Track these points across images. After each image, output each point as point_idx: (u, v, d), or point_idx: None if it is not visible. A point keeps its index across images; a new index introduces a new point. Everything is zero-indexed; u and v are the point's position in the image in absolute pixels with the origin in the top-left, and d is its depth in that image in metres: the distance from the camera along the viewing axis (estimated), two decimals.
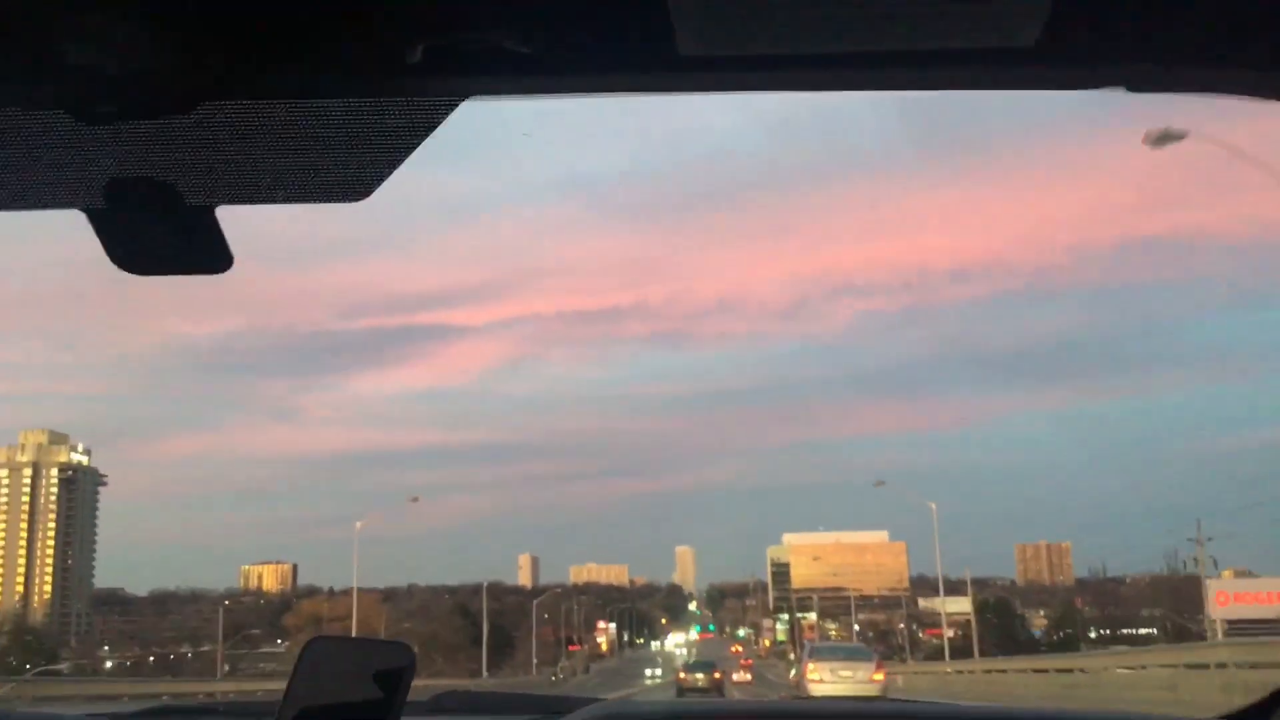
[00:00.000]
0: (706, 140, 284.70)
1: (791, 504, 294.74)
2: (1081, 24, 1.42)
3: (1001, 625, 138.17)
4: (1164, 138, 24.74)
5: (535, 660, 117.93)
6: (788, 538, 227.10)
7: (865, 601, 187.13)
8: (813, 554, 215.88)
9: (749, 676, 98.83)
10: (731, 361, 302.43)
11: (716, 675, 67.71)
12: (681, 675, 69.18)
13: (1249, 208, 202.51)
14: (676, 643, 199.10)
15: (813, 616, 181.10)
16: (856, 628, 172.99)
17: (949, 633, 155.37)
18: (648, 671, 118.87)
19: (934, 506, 79.29)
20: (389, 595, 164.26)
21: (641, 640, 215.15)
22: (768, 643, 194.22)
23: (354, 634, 58.80)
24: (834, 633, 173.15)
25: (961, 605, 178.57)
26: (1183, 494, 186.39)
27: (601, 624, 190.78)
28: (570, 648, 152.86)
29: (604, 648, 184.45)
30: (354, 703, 2.06)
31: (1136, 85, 1.52)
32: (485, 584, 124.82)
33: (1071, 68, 1.51)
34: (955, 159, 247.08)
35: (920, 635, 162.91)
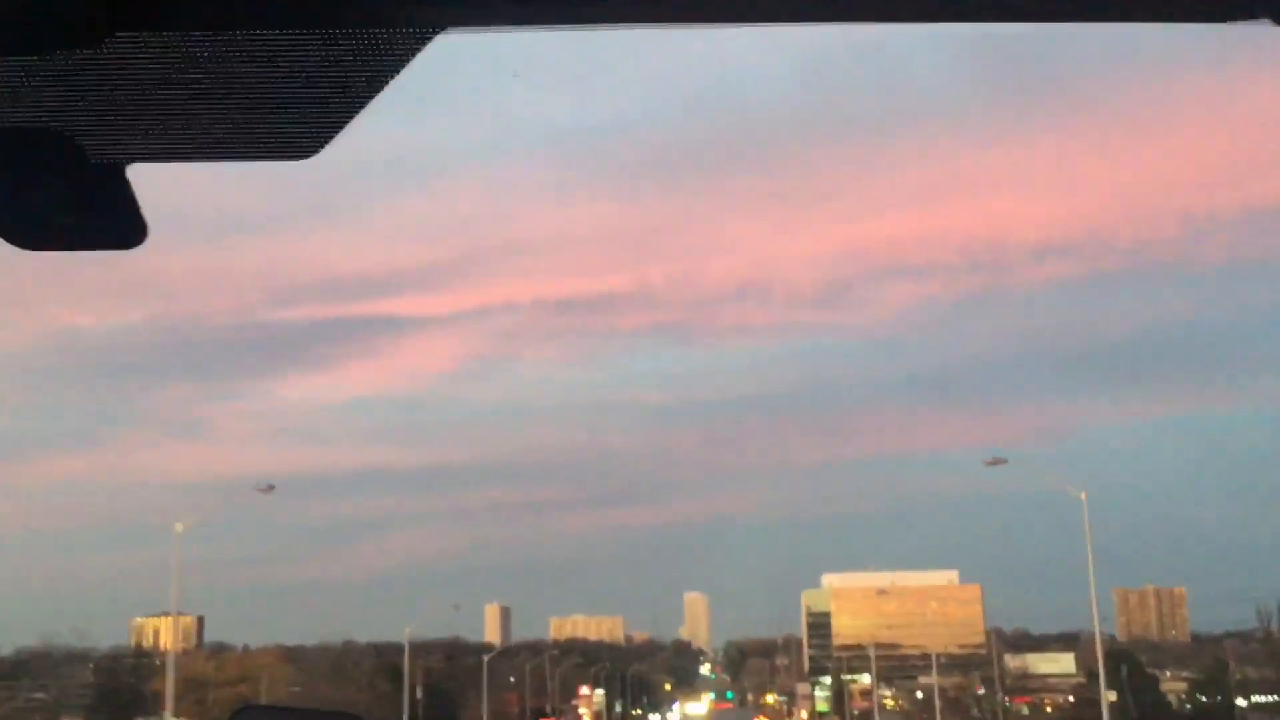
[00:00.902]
0: (725, 83, 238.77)
1: (831, 540, 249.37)
2: None
3: (1134, 693, 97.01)
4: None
5: None
6: (828, 579, 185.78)
7: (924, 661, 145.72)
8: (861, 600, 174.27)
9: None
10: (754, 360, 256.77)
11: None
12: None
13: None
14: (686, 714, 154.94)
15: (866, 679, 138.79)
16: (920, 695, 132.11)
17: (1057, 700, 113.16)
18: None
19: (1084, 496, 61.22)
20: (297, 654, 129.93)
21: (639, 712, 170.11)
22: (805, 714, 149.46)
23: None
24: (890, 702, 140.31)
25: (1063, 665, 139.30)
26: None
27: (584, 690, 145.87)
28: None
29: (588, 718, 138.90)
30: None
31: None
32: (408, 635, 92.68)
33: None
34: (1037, 105, 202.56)
35: (1007, 704, 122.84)
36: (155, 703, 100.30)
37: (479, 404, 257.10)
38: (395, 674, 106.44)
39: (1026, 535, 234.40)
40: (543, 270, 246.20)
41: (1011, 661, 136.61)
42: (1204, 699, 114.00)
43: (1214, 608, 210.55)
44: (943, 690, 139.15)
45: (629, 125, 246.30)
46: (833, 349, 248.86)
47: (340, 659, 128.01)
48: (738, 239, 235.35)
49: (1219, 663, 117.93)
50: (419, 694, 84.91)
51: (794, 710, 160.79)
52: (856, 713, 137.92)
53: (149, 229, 1.73)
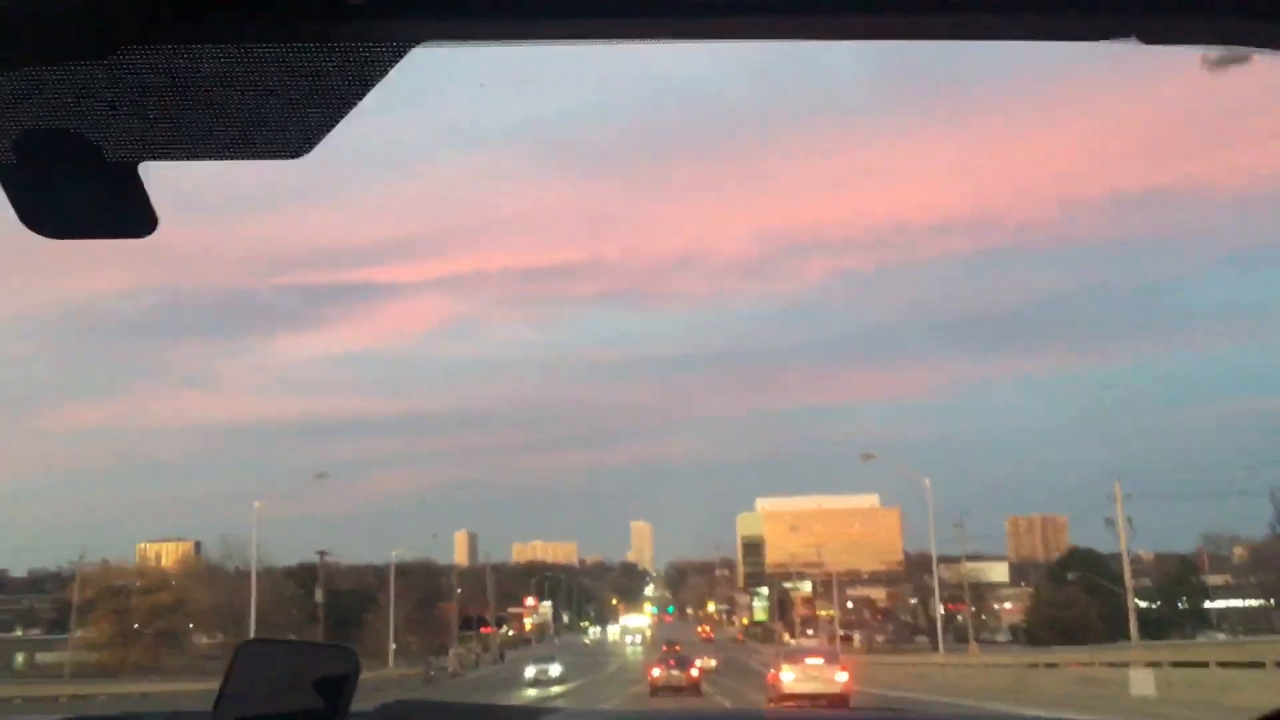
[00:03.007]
0: (670, 87, 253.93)
1: (760, 477, 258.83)
2: None
3: (1096, 597, 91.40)
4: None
5: (393, 646, 75.56)
6: (761, 503, 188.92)
7: (853, 578, 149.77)
8: (791, 522, 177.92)
9: (713, 663, 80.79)
10: (694, 323, 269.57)
11: (693, 673, 56.54)
12: (654, 673, 57.53)
13: (1256, 161, 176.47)
14: (629, 626, 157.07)
15: (806, 587, 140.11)
16: (851, 605, 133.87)
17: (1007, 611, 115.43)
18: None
19: (928, 483, 67.78)
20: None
21: (587, 623, 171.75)
22: (745, 621, 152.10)
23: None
24: (823, 613, 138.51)
25: (997, 573, 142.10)
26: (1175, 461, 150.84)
27: (530, 600, 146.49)
28: (483, 630, 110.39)
29: (529, 629, 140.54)
30: (293, 712, 1.90)
31: (1149, 37, 1.36)
32: (320, 555, 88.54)
33: (1082, 17, 1.34)
34: (938, 107, 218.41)
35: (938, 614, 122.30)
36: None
37: (453, 360, 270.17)
38: (301, 582, 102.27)
39: (941, 472, 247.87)
40: (509, 245, 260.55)
41: (942, 570, 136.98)
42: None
43: (1089, 533, 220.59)
44: (875, 601, 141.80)
45: (584, 120, 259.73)
46: (761, 314, 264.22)
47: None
48: (678, 218, 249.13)
49: (1187, 567, 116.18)
50: (319, 597, 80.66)
51: (733, 619, 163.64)
52: (798, 620, 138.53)
53: (159, 218, 1.83)
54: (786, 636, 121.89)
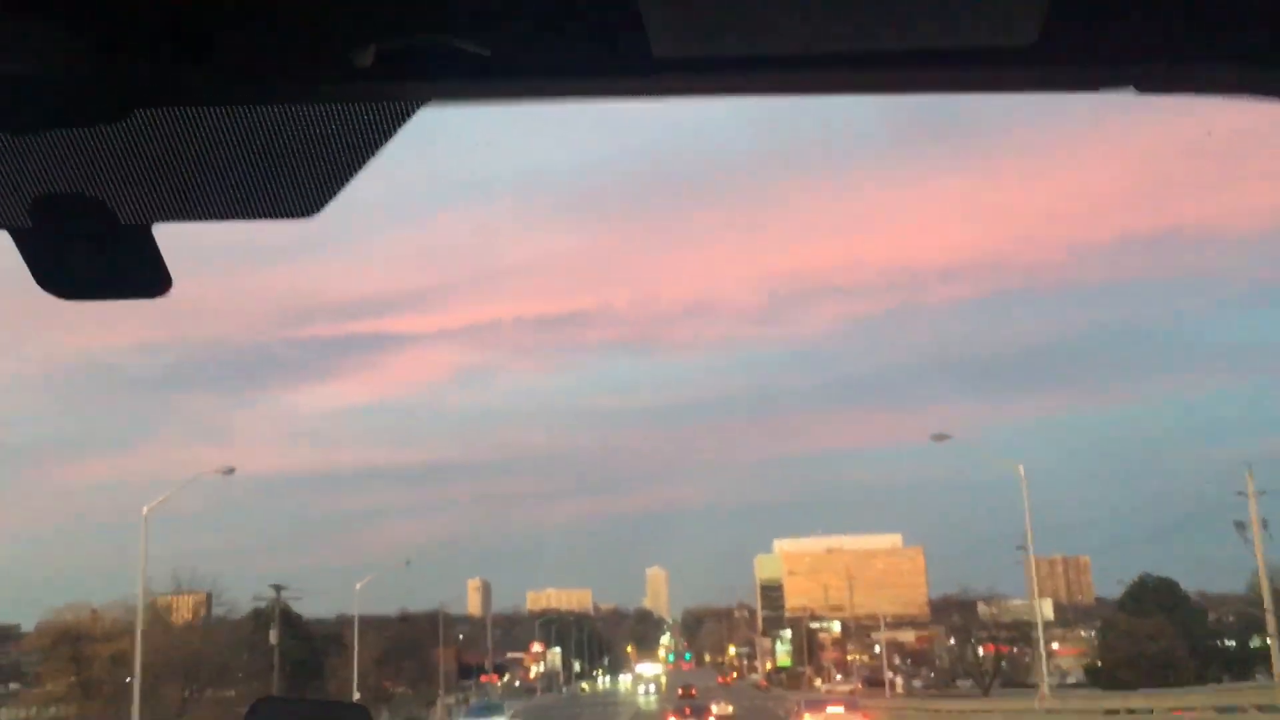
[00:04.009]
0: (677, 136, 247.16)
1: (775, 521, 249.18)
2: (1087, 22, 1.28)
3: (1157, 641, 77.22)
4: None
5: (357, 695, 64.50)
6: (780, 544, 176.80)
7: (879, 620, 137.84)
8: (810, 564, 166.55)
9: (730, 709, 73.80)
10: (705, 370, 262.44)
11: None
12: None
13: (1258, 202, 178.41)
14: (643, 674, 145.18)
15: (835, 628, 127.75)
16: (878, 649, 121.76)
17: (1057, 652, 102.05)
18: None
19: (1021, 469, 52.48)
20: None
21: (601, 672, 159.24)
22: (769, 666, 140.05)
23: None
24: (852, 657, 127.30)
25: (1045, 611, 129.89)
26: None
27: (536, 646, 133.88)
28: (482, 678, 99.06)
29: (534, 677, 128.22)
30: None
31: (1145, 86, 1.35)
32: (276, 590, 74.73)
33: (1077, 68, 1.35)
34: (944, 156, 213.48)
35: (979, 653, 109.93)
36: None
37: (466, 409, 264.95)
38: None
39: (951, 515, 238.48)
40: (521, 294, 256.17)
41: (983, 608, 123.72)
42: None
43: (1109, 574, 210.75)
44: (905, 644, 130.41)
45: (594, 171, 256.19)
46: (772, 359, 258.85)
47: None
48: (689, 267, 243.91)
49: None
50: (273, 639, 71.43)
51: (754, 664, 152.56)
52: (828, 664, 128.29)
53: (173, 278, 1.79)
54: (818, 681, 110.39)
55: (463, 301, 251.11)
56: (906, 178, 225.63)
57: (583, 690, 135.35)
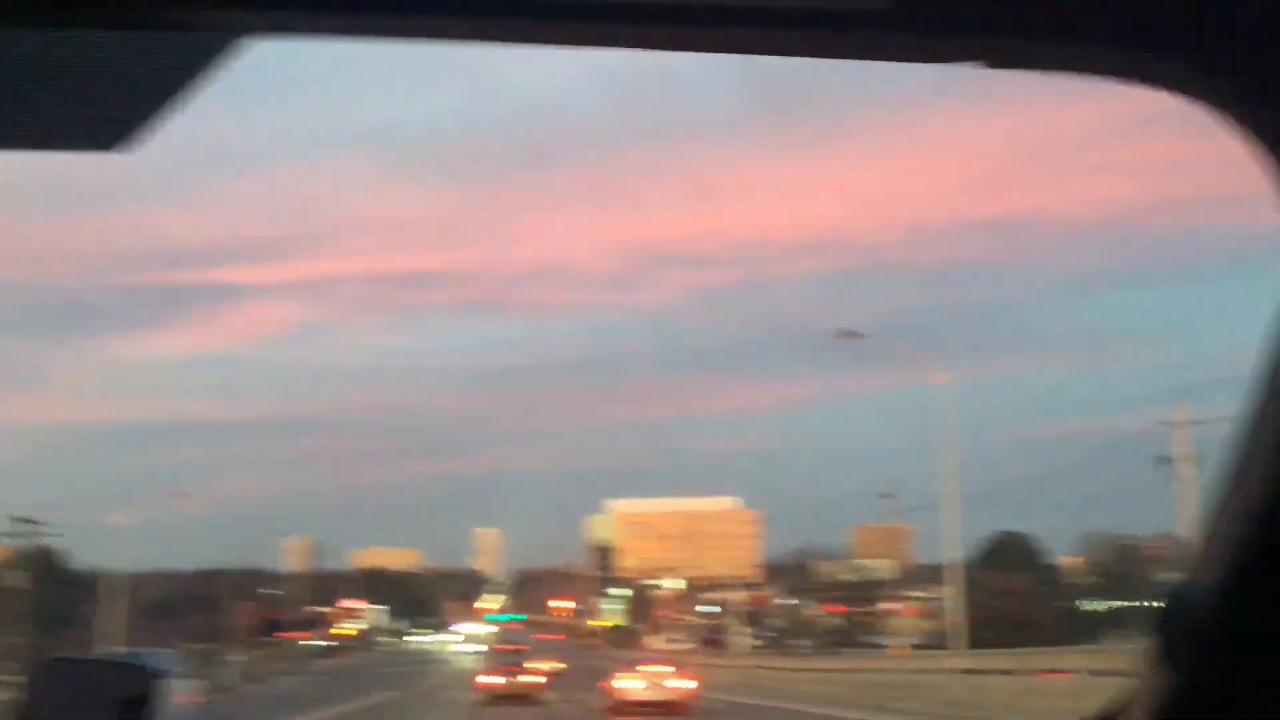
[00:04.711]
0: (529, 93, 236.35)
1: (616, 486, 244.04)
2: None
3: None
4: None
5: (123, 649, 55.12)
6: (614, 505, 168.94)
7: (715, 580, 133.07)
8: (645, 524, 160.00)
9: (562, 666, 69.90)
10: (549, 334, 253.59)
11: (533, 680, 48.94)
12: (490, 680, 49.24)
13: (1097, 191, 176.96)
14: (468, 633, 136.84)
15: (673, 585, 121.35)
16: (718, 609, 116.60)
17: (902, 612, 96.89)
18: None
19: (942, 378, 47.41)
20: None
21: (425, 631, 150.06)
22: (604, 625, 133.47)
23: None
24: (690, 616, 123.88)
25: (883, 570, 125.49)
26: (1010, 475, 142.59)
27: (348, 602, 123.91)
28: (276, 634, 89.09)
29: (351, 634, 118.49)
30: None
31: (996, 62, 1.28)
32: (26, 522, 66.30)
33: (928, 38, 1.28)
34: (795, 127, 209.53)
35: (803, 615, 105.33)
36: None
37: (305, 365, 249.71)
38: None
39: (785, 485, 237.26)
40: (367, 250, 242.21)
41: (823, 567, 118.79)
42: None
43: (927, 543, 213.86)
44: (735, 604, 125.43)
45: (443, 126, 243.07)
46: (618, 325, 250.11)
47: None
48: (538, 229, 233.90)
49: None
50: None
51: (587, 622, 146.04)
52: (663, 623, 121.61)
53: None
54: (656, 639, 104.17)
55: (304, 255, 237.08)
56: (758, 150, 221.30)
57: (395, 645, 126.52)
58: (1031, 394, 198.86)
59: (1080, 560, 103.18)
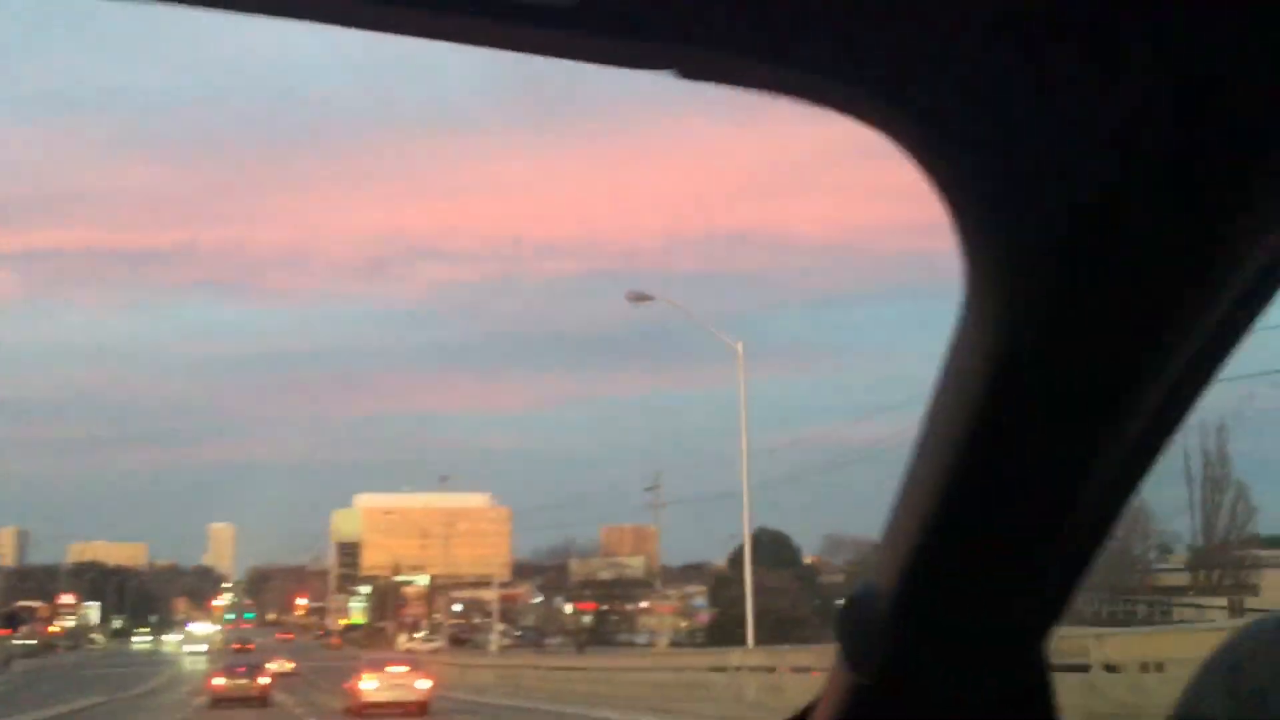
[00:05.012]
0: (282, 73, 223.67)
1: (360, 481, 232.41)
2: None
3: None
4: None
5: None
6: (360, 500, 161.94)
7: (463, 579, 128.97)
8: (392, 520, 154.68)
9: (291, 666, 69.79)
10: (295, 321, 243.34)
11: (261, 681, 47.43)
12: (215, 682, 47.41)
13: (830, 210, 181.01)
14: (194, 633, 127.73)
15: (422, 582, 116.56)
16: (458, 607, 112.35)
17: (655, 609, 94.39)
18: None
19: (739, 347, 42.84)
20: None
21: (147, 630, 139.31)
22: (343, 623, 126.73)
23: None
24: (438, 615, 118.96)
25: (635, 569, 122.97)
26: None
27: (66, 598, 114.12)
28: None
29: (57, 631, 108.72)
30: None
31: (689, 72, 1.23)
32: None
33: (617, 40, 1.22)
34: (558, 127, 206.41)
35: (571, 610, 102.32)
36: None
37: (20, 343, 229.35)
38: None
39: (538, 483, 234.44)
40: (93, 222, 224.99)
41: (576, 565, 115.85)
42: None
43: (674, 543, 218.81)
44: (486, 602, 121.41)
45: (183, 99, 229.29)
46: (367, 316, 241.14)
47: None
48: (285, 212, 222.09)
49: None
50: None
51: (326, 622, 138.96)
52: (411, 621, 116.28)
53: None
54: (402, 638, 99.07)
55: (23, 224, 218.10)
56: (518, 148, 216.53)
57: (116, 646, 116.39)
58: (783, 400, 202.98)
59: (827, 560, 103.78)
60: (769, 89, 1.24)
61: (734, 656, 36.62)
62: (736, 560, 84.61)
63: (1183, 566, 58.83)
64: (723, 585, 78.74)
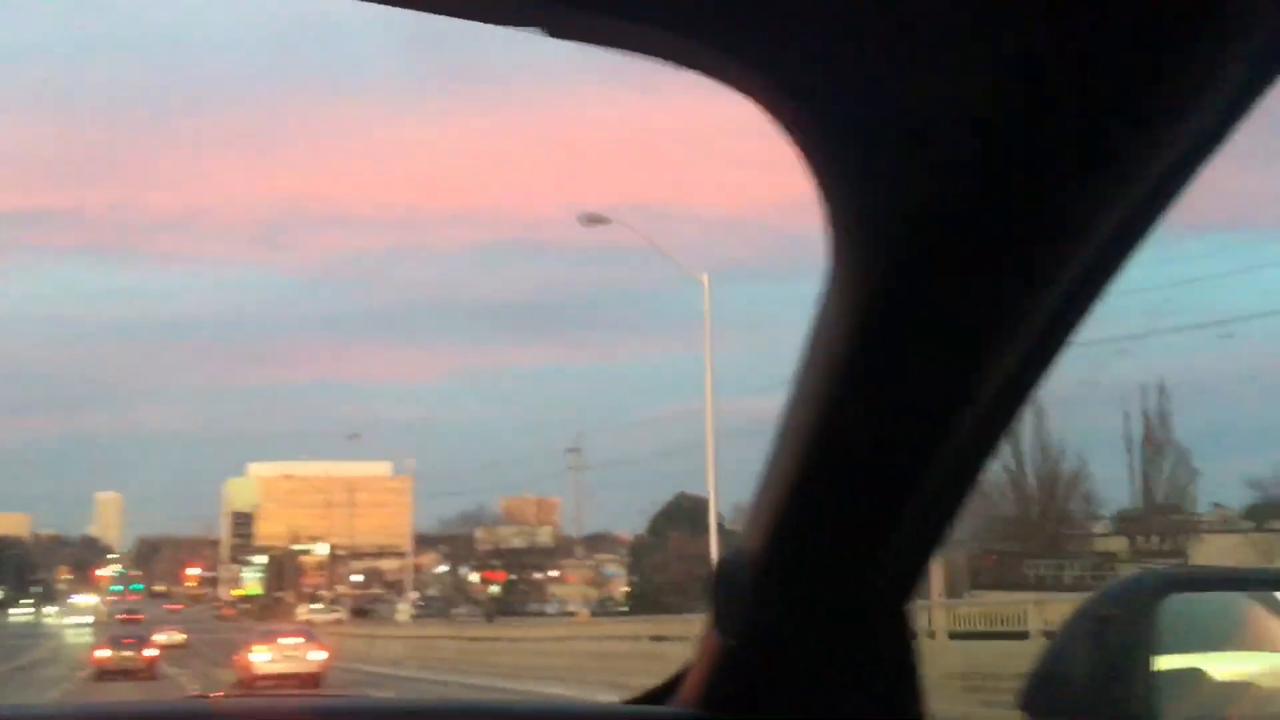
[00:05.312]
0: (172, 26, 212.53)
1: (257, 450, 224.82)
2: None
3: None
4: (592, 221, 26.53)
5: None
6: (256, 469, 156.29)
7: (364, 549, 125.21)
8: (289, 490, 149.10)
9: (181, 638, 65.53)
10: (184, 288, 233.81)
11: (148, 653, 46.47)
12: (98, 654, 46.72)
13: (733, 183, 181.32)
14: (77, 605, 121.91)
15: (321, 551, 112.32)
16: (358, 578, 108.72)
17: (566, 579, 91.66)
18: None
19: (705, 280, 38.90)
20: None
21: (31, 602, 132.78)
22: (237, 594, 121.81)
23: None
24: (342, 587, 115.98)
25: (542, 537, 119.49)
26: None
27: None
28: None
29: None
30: None
31: (557, 30, 1.22)
32: None
33: None
34: (463, 94, 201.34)
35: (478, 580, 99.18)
36: None
37: None
38: None
39: (442, 454, 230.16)
40: None
41: (480, 533, 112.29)
42: None
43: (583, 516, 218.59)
44: (386, 572, 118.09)
45: (68, 52, 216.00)
46: (264, 283, 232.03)
47: None
48: (178, 173, 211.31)
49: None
50: None
51: (219, 592, 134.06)
52: (311, 591, 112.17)
53: None
54: (300, 609, 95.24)
55: None
56: (422, 114, 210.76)
57: None
58: (695, 372, 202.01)
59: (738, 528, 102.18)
60: (640, 51, 1.20)
61: (677, 626, 33.86)
62: (656, 528, 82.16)
63: (1122, 531, 57.78)
64: (643, 552, 76.04)
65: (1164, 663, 1.76)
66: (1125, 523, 57.33)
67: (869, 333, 1.33)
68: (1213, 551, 50.69)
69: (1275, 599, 2.09)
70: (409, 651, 48.14)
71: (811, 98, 1.16)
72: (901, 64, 1.11)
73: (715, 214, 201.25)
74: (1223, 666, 2.00)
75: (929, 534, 1.58)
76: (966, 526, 42.08)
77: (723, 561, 1.70)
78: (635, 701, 2.18)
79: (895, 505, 1.51)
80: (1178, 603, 1.86)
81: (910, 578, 1.62)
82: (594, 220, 33.12)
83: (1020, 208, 1.17)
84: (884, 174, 1.17)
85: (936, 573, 37.93)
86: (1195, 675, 1.92)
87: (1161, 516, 55.54)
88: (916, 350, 1.35)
